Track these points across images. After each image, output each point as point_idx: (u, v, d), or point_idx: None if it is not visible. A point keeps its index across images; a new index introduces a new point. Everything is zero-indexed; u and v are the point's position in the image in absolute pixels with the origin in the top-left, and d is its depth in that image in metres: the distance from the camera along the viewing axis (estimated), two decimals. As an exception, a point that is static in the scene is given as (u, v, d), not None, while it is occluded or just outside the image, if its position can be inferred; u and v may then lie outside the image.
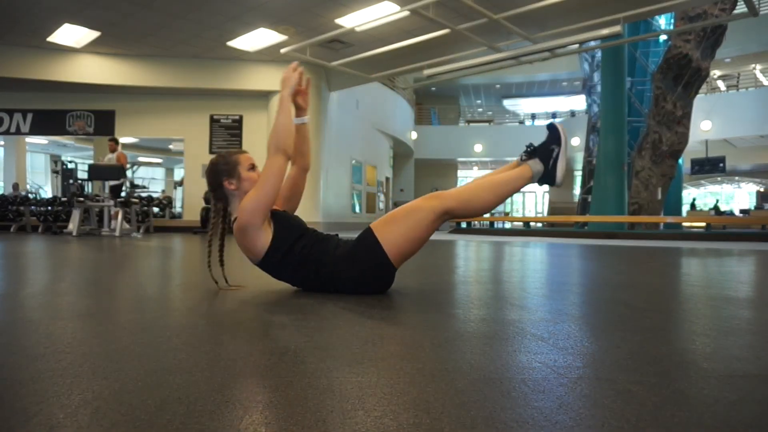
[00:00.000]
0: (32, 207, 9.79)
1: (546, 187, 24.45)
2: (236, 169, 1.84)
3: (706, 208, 22.02)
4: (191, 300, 1.80)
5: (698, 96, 12.17)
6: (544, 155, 1.83)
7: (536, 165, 1.82)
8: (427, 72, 8.48)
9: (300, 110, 1.93)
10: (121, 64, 10.22)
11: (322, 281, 1.80)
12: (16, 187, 12.08)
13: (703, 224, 10.99)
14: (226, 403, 0.74)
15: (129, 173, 8.94)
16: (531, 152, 1.85)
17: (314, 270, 1.79)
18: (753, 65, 19.91)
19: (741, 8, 10.11)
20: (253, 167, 1.87)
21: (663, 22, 12.14)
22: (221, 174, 1.84)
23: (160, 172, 24.24)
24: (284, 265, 1.81)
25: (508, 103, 26.56)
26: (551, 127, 1.86)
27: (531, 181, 1.83)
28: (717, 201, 23.17)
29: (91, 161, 12.64)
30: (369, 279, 1.77)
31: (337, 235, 1.95)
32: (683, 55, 10.68)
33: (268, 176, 1.73)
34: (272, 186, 1.73)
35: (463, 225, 15.10)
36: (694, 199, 21.89)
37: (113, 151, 9.01)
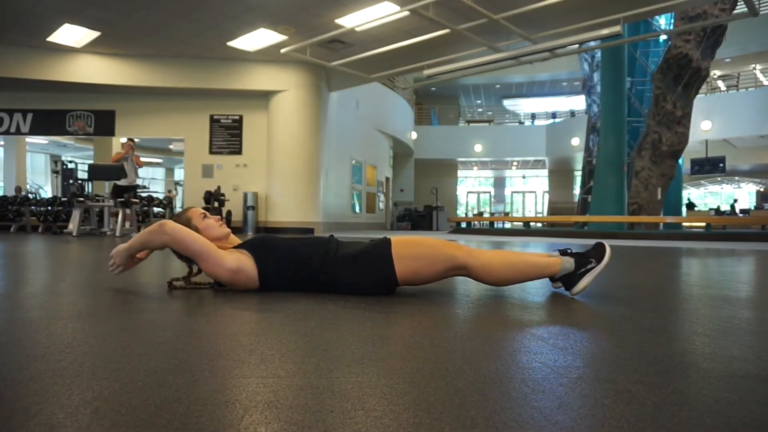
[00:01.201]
0: (32, 207, 9.80)
1: (546, 186, 24.51)
2: (191, 224, 1.90)
3: (705, 208, 22.00)
4: (191, 300, 1.80)
5: (698, 96, 12.18)
6: (580, 261, 1.80)
7: (568, 263, 1.80)
8: (427, 72, 8.48)
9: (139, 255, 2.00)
10: (122, 64, 10.23)
11: (322, 283, 1.82)
12: (18, 190, 12.09)
13: (703, 224, 10.99)
14: (226, 403, 0.74)
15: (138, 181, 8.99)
16: (571, 253, 1.83)
17: (313, 273, 1.80)
18: (753, 65, 19.92)
19: (741, 8, 10.12)
20: (205, 216, 1.94)
21: (663, 22, 12.14)
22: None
23: (160, 172, 24.25)
24: (282, 277, 1.83)
25: (508, 103, 26.57)
26: (599, 246, 1.84)
27: (555, 275, 1.80)
28: (735, 201, 22.97)
29: (92, 161, 12.65)
30: (369, 286, 1.78)
31: (332, 235, 1.95)
32: (683, 55, 10.69)
33: (183, 243, 1.80)
34: (192, 243, 1.79)
35: (463, 225, 15.10)
36: (689, 200, 21.80)
37: (131, 150, 9.03)
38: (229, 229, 1.96)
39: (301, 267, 1.80)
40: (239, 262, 1.79)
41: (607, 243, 1.86)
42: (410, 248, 1.75)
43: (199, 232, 1.88)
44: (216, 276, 1.81)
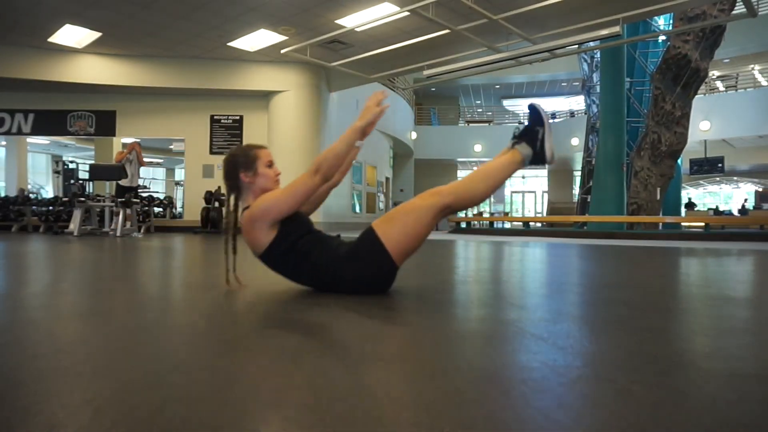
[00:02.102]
0: (33, 207, 9.80)
1: (545, 186, 24.50)
2: (254, 164, 1.85)
3: (704, 208, 21.99)
4: (192, 300, 1.80)
5: (697, 96, 12.17)
6: (530, 138, 1.85)
7: (524, 149, 1.84)
8: (427, 72, 8.48)
9: (363, 136, 1.90)
10: (122, 65, 10.23)
11: (322, 280, 1.81)
12: (22, 192, 12.09)
13: (702, 224, 10.99)
14: (226, 403, 0.74)
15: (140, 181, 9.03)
16: (518, 137, 1.87)
17: (313, 268, 1.79)
18: (752, 66, 19.92)
19: (740, 9, 10.11)
20: (271, 164, 1.89)
21: (662, 22, 12.14)
22: (239, 166, 1.85)
23: (160, 172, 24.25)
24: (284, 261, 1.82)
25: (507, 104, 26.57)
26: (532, 108, 1.88)
27: (522, 165, 1.85)
28: (746, 200, 22.93)
29: (93, 161, 12.65)
30: (370, 278, 1.77)
31: (339, 235, 1.95)
32: (682, 56, 10.69)
33: (297, 191, 1.73)
34: (296, 200, 1.73)
35: (463, 225, 15.10)
36: (690, 199, 21.76)
37: (134, 150, 9.05)
38: (278, 188, 1.88)
39: (303, 259, 1.79)
40: (273, 223, 1.76)
41: (536, 102, 1.89)
42: (391, 220, 1.77)
43: (257, 176, 1.84)
44: (258, 210, 1.73)
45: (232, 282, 1.91)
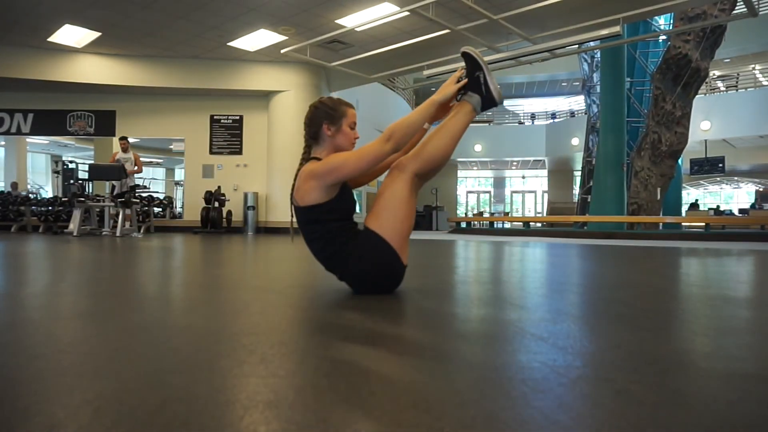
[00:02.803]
0: (33, 207, 9.80)
1: (545, 186, 24.51)
2: (340, 120, 1.84)
3: (704, 208, 21.99)
4: (192, 300, 1.80)
5: (697, 96, 12.17)
6: (474, 85, 1.85)
7: (471, 97, 1.85)
8: (427, 72, 8.49)
9: (436, 118, 1.92)
10: (122, 65, 10.23)
11: (332, 262, 1.80)
12: (14, 186, 12.06)
13: (703, 224, 10.99)
14: (226, 403, 0.74)
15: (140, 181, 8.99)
16: (462, 89, 1.86)
17: (335, 252, 1.78)
18: (752, 65, 19.93)
19: (740, 8, 10.11)
20: (354, 126, 1.89)
21: (662, 22, 12.14)
22: (324, 117, 1.84)
23: (160, 172, 24.26)
24: (315, 231, 1.80)
25: (508, 103, 26.58)
26: (465, 56, 1.87)
27: (476, 112, 1.85)
28: (757, 198, 22.86)
29: (92, 161, 12.64)
30: (380, 277, 1.78)
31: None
32: (682, 56, 10.68)
33: (367, 156, 1.70)
34: (364, 165, 1.71)
35: (463, 225, 15.10)
36: (696, 200, 21.72)
37: (126, 149, 9.01)
38: (354, 150, 1.85)
39: (331, 238, 1.78)
40: (331, 186, 1.75)
41: (468, 48, 1.87)
42: (381, 214, 1.77)
43: (339, 132, 1.83)
44: (322, 167, 1.71)
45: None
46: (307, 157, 1.87)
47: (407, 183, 1.78)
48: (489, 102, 1.85)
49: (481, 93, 1.84)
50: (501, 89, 1.87)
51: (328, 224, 1.77)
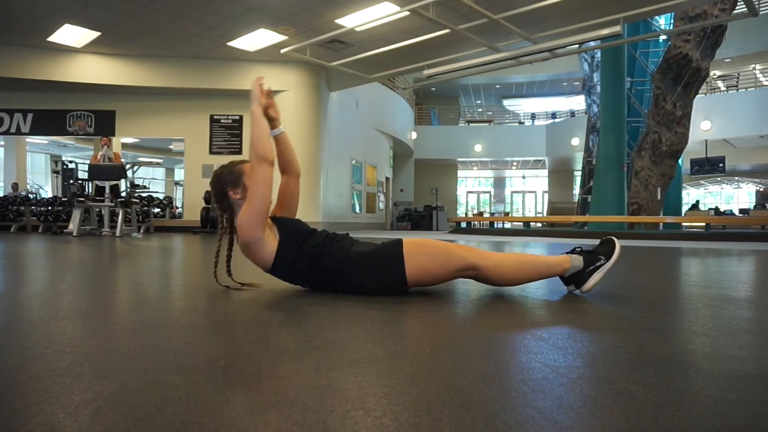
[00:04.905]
0: (32, 207, 9.79)
1: (545, 186, 24.50)
2: (241, 179, 1.85)
3: (704, 208, 21.98)
4: (191, 300, 1.80)
5: (698, 96, 12.17)
6: (589, 259, 1.79)
7: (577, 261, 1.79)
8: (427, 72, 8.48)
9: (273, 122, 2.00)
10: (122, 64, 10.23)
11: (333, 281, 1.80)
12: (15, 187, 12.06)
13: (703, 224, 10.99)
14: (226, 403, 0.74)
15: (129, 173, 8.94)
16: (579, 251, 1.82)
17: (327, 272, 1.78)
18: (753, 65, 19.91)
19: (741, 8, 10.12)
20: None
21: (663, 22, 12.14)
22: (226, 184, 1.85)
23: (160, 172, 24.26)
24: (295, 270, 1.81)
25: (508, 103, 26.57)
26: (609, 242, 1.82)
27: (564, 273, 1.79)
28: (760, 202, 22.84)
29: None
30: (378, 286, 1.77)
31: (347, 234, 1.95)
32: (683, 55, 10.68)
33: (257, 187, 1.73)
34: (263, 195, 1.73)
35: (463, 225, 15.11)
36: (697, 201, 21.67)
37: (106, 144, 8.97)
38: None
39: (314, 264, 1.78)
40: (266, 235, 1.75)
41: (617, 239, 1.84)
42: (422, 248, 1.74)
43: (244, 188, 1.83)
44: (244, 232, 1.72)
45: (233, 285, 1.91)
46: (231, 230, 1.89)
47: (463, 261, 1.71)
48: (578, 279, 1.79)
49: (585, 268, 1.78)
50: (597, 284, 1.79)
51: (302, 250, 1.78)
